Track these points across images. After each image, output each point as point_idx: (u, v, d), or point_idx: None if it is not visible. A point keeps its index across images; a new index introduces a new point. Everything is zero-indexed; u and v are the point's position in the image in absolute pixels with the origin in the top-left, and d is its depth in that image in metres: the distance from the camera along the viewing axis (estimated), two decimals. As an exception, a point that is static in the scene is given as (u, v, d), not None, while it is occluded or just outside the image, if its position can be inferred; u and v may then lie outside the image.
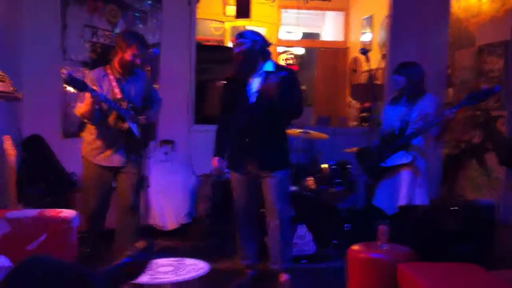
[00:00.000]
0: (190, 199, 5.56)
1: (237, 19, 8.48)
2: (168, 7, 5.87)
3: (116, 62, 4.06)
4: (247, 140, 3.92)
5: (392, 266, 3.29)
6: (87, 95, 3.73)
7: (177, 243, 5.13)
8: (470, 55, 6.45)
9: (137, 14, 5.78)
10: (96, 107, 3.85)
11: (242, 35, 3.91)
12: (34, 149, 5.11)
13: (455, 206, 4.72)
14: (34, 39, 5.52)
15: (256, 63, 3.91)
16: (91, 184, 4.09)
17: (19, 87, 4.72)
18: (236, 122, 4.02)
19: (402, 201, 4.07)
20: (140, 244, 2.94)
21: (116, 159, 4.08)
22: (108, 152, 4.05)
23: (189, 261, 4.57)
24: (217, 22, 9.38)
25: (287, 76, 3.82)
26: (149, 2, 5.83)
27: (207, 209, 5.09)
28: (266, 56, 3.95)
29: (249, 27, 9.30)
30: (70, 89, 3.74)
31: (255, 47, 3.87)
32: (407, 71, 4.16)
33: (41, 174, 4.93)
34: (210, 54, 7.19)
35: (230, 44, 9.39)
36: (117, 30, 5.70)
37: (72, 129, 5.62)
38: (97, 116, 3.92)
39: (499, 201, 5.36)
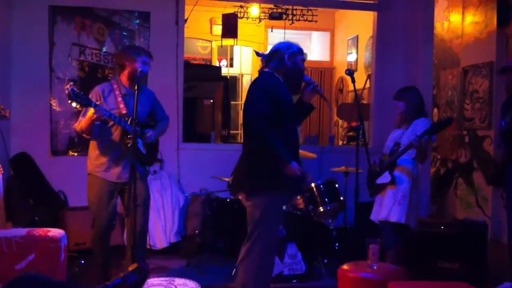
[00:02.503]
0: (180, 217, 5.53)
1: (224, 38, 8.54)
2: (155, 26, 5.88)
3: (124, 76, 4.05)
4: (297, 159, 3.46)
5: (382, 285, 3.30)
6: (90, 110, 3.71)
7: (167, 262, 5.07)
8: (455, 76, 6.55)
9: (124, 33, 5.80)
10: (97, 122, 3.84)
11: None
12: (22, 167, 5.07)
13: (446, 224, 4.77)
14: (22, 57, 5.52)
15: None
16: (101, 201, 3.99)
17: (7, 105, 4.70)
18: (289, 138, 3.47)
19: (382, 215, 4.18)
20: (132, 266, 2.92)
21: (122, 175, 4.00)
22: (114, 168, 4.00)
23: (180, 280, 4.52)
24: (204, 41, 9.44)
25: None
26: (137, 21, 5.84)
27: (197, 227, 5.05)
28: None
29: (236, 47, 9.39)
30: (74, 104, 3.64)
31: None
32: (405, 96, 4.30)
33: (29, 192, 4.88)
34: (197, 72, 7.23)
35: (217, 63, 9.46)
36: (105, 49, 5.71)
37: (60, 147, 5.60)
38: (96, 131, 3.92)
39: (487, 219, 5.42)
